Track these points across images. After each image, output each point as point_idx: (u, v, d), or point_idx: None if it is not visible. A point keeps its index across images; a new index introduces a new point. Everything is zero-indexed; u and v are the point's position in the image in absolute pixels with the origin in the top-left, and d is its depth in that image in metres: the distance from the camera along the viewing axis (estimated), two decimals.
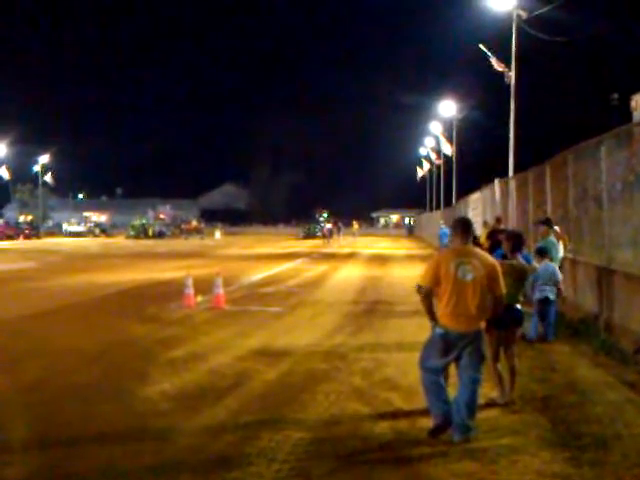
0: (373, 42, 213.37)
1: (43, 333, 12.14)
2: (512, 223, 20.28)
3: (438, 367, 6.53)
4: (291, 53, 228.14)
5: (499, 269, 6.57)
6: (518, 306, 7.80)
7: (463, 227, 6.68)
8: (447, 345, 6.39)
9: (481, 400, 7.08)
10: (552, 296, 11.19)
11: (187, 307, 15.07)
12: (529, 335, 11.05)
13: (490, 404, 7.48)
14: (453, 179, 54.24)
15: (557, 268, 11.49)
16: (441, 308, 6.43)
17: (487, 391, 7.82)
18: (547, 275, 11.15)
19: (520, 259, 8.24)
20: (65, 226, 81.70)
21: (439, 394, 6.49)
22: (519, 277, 7.84)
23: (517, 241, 8.40)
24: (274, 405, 7.56)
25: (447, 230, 31.42)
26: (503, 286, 6.55)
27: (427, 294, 6.52)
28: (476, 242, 9.05)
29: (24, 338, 11.63)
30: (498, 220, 18.42)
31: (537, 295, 11.11)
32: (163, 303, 15.81)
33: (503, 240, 8.69)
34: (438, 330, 6.44)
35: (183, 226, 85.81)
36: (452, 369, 6.83)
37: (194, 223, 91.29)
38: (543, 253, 11.31)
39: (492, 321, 7.14)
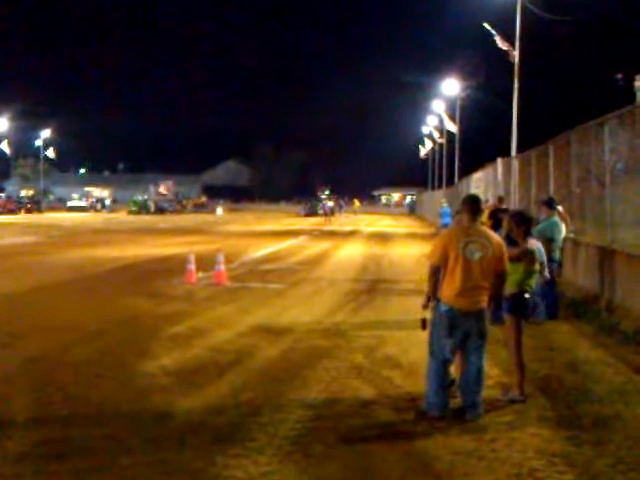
0: (377, 20, 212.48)
1: (44, 308, 12.15)
2: (514, 203, 20.24)
3: (446, 354, 6.44)
4: (294, 30, 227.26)
5: (504, 248, 6.54)
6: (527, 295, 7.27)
7: (472, 205, 6.62)
8: (452, 323, 6.35)
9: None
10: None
11: (188, 283, 15.07)
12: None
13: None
14: (455, 158, 54.11)
15: (542, 249, 11.05)
16: (447, 286, 6.37)
17: (497, 372, 7.86)
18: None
19: (532, 243, 7.56)
20: (70, 203, 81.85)
21: (442, 384, 6.46)
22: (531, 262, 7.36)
23: (529, 225, 7.72)
24: (275, 382, 7.58)
25: (448, 210, 31.23)
26: (507, 264, 6.52)
27: (435, 272, 6.47)
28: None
29: (25, 313, 11.63)
30: (500, 200, 18.33)
31: None
32: (164, 279, 15.83)
33: (511, 223, 7.81)
34: (443, 307, 6.39)
35: (184, 202, 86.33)
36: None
37: (194, 199, 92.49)
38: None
39: (513, 308, 7.10)
